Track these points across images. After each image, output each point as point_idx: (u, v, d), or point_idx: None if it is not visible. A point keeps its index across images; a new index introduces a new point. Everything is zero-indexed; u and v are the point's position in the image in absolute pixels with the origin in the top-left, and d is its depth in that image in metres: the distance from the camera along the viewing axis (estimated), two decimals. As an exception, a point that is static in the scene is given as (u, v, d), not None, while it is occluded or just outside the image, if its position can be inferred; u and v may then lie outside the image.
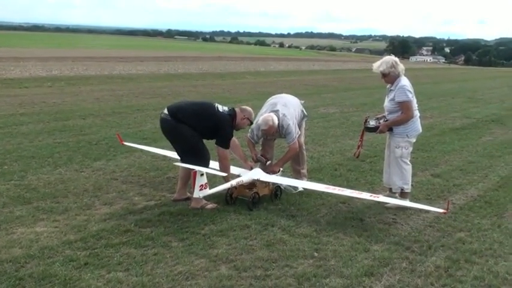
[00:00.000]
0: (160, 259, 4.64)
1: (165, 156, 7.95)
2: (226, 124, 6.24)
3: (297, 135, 6.80)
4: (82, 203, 6.18)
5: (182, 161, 6.31)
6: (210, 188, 5.78)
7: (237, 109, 6.43)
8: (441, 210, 5.60)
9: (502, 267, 4.73)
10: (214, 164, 6.59)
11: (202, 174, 5.65)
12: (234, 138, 6.46)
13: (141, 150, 8.40)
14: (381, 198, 6.17)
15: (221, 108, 6.32)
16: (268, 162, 6.84)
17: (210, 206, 6.08)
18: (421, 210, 6.22)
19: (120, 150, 8.57)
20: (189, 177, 6.21)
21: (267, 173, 6.64)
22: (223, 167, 6.29)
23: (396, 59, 6.45)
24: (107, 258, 4.61)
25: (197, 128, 6.14)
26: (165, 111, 6.24)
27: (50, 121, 12.19)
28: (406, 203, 6.22)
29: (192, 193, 5.82)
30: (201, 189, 5.63)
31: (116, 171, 7.72)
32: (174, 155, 7.33)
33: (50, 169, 7.70)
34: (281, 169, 6.90)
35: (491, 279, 4.48)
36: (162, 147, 8.04)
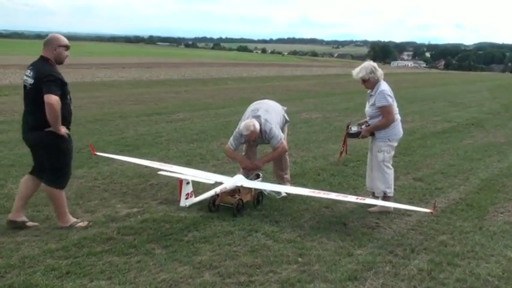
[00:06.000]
0: (144, 267, 4.60)
1: (139, 165, 7.78)
2: (44, 73, 5.25)
3: (282, 138, 6.80)
4: (63, 211, 6.09)
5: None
6: (195, 196, 5.76)
7: (41, 52, 5.45)
8: (427, 210, 5.68)
9: (484, 269, 4.77)
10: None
11: (188, 183, 5.62)
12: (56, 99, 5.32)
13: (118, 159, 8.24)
14: (367, 200, 6.21)
15: (28, 73, 5.39)
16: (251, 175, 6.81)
17: (80, 224, 5.60)
18: (403, 213, 6.28)
19: (102, 158, 8.49)
20: (30, 197, 5.71)
21: (250, 174, 6.71)
22: (53, 118, 5.49)
23: (375, 64, 6.55)
24: (89, 267, 4.56)
25: (39, 118, 5.44)
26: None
27: (31, 129, 12.01)
28: (393, 204, 6.28)
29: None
30: (187, 198, 5.61)
31: (98, 179, 7.65)
32: (149, 163, 7.36)
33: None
34: (261, 175, 6.90)
35: (473, 281, 4.53)
36: (144, 155, 7.96)
